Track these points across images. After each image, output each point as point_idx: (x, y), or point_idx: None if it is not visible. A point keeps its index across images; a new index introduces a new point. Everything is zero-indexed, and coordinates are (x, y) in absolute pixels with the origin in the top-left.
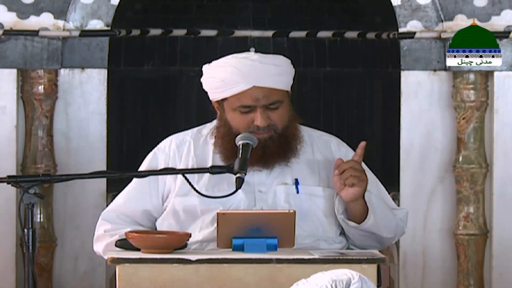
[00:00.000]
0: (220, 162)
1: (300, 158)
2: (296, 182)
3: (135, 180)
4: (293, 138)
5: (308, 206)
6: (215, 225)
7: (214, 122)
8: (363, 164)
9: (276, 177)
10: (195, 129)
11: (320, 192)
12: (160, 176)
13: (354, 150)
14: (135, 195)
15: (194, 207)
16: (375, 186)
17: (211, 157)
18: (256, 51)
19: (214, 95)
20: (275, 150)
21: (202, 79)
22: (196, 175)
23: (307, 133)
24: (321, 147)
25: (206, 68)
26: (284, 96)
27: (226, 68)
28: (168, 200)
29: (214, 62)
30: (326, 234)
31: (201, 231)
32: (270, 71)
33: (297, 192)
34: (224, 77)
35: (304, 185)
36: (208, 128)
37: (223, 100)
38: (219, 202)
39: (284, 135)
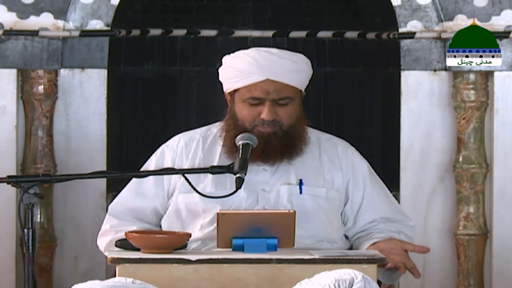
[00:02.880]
0: (226, 158)
1: (306, 159)
2: (300, 183)
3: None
4: (298, 138)
5: (310, 206)
6: (215, 224)
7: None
8: (371, 170)
9: (281, 177)
10: (204, 128)
11: (323, 193)
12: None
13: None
14: (142, 192)
15: (196, 204)
16: (384, 196)
17: (218, 155)
18: None
19: (228, 86)
20: (277, 146)
21: (219, 69)
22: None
23: (315, 135)
24: (328, 149)
25: (225, 58)
26: (295, 94)
27: (245, 58)
28: (173, 196)
29: (235, 53)
30: (328, 236)
31: (201, 229)
32: (287, 67)
33: (300, 193)
34: (241, 67)
35: (308, 186)
36: (217, 127)
37: (235, 91)
38: (220, 199)
39: (289, 133)
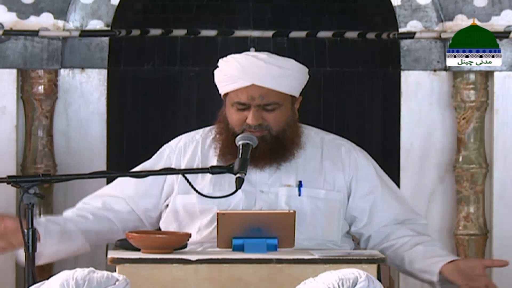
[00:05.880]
0: (218, 161)
1: (307, 160)
2: (299, 185)
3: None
4: (290, 142)
5: (309, 209)
6: (213, 225)
7: None
8: (379, 170)
9: (280, 178)
10: (207, 128)
11: (322, 194)
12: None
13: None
14: (119, 188)
15: (193, 205)
16: (394, 195)
17: (215, 157)
18: (256, 51)
19: (220, 89)
20: (265, 151)
21: (215, 72)
22: (199, 173)
23: (319, 135)
24: (331, 150)
25: (220, 61)
26: (283, 100)
27: (233, 63)
28: (171, 197)
29: (227, 57)
30: (327, 238)
31: (199, 232)
32: (273, 72)
33: (299, 195)
34: (229, 71)
35: (307, 188)
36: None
37: (226, 95)
38: (217, 201)
39: (279, 138)
